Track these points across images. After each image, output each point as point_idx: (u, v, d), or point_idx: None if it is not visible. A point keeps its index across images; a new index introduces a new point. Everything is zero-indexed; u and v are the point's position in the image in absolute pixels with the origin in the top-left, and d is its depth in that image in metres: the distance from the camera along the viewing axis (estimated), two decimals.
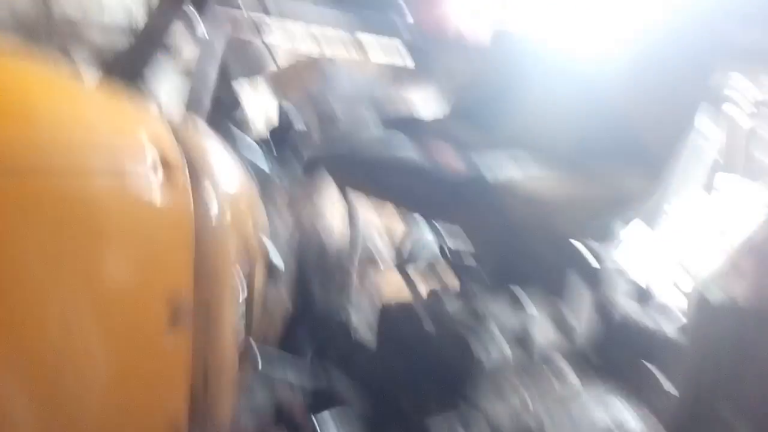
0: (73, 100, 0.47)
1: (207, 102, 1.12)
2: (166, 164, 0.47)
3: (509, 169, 0.92)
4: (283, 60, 1.52)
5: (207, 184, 0.52)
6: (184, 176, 0.49)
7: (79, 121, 0.44)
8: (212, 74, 1.04)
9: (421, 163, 0.97)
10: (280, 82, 1.38)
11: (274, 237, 0.91)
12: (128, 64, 0.69)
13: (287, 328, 0.95)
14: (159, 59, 0.69)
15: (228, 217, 0.55)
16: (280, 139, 1.19)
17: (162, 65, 0.72)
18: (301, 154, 1.19)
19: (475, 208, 0.90)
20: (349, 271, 1.23)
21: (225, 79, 1.11)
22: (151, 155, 0.47)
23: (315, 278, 1.21)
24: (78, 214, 0.40)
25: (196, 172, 0.51)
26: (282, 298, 0.92)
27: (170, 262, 0.48)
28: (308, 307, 1.11)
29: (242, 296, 0.59)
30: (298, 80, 1.43)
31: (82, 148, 0.42)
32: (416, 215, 1.15)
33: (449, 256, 1.13)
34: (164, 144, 0.49)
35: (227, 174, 0.59)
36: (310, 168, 1.16)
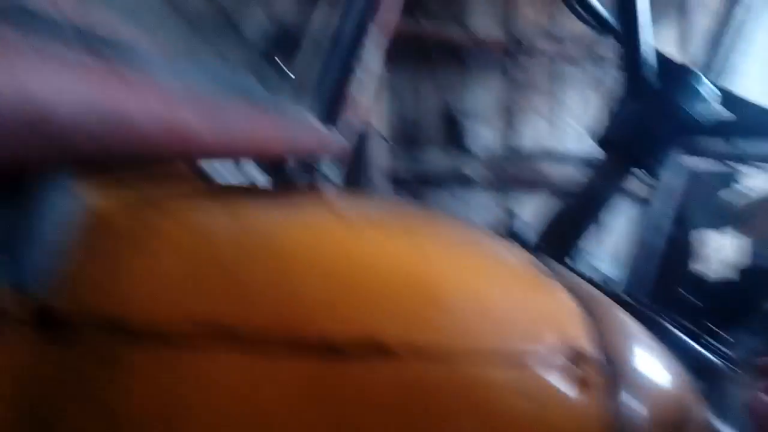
0: (479, 269, 0.44)
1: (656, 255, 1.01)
2: (578, 358, 0.40)
3: None
4: (753, 193, 1.28)
5: (629, 388, 0.42)
6: (600, 375, 0.40)
7: (487, 296, 0.41)
8: (665, 227, 0.94)
9: None
10: (748, 219, 1.14)
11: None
12: (571, 219, 0.67)
13: None
14: (600, 217, 0.64)
15: (650, 428, 0.42)
16: (744, 289, 0.95)
17: (602, 223, 0.67)
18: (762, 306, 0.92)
19: None
20: None
21: (682, 229, 0.98)
22: (563, 345, 0.40)
23: None
24: (472, 409, 0.36)
25: (615, 370, 0.41)
26: None
27: None
28: None
29: None
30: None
31: (487, 330, 0.39)
32: None
33: None
34: (577, 331, 0.42)
35: (654, 370, 0.47)
36: None
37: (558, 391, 0.38)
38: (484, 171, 3.22)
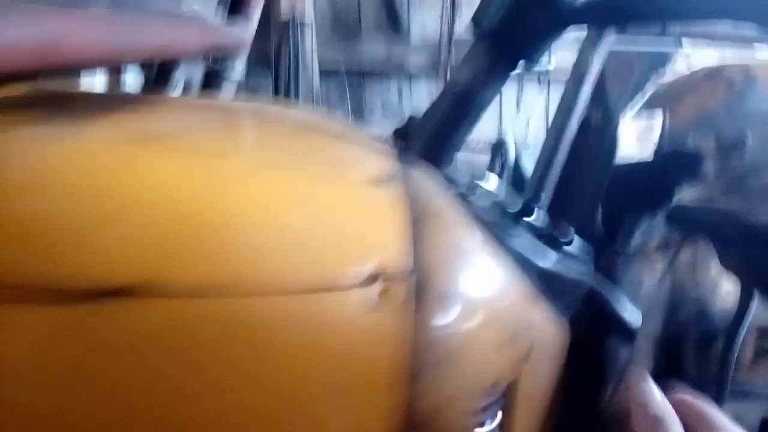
0: (286, 188, 0.40)
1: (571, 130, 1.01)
2: (384, 274, 0.37)
3: None
4: (675, 68, 1.24)
5: (437, 297, 0.39)
6: (404, 289, 0.38)
7: (282, 225, 0.36)
8: (577, 110, 0.93)
9: None
10: (670, 97, 1.11)
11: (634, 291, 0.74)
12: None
13: None
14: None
15: (471, 335, 0.41)
16: (659, 173, 0.96)
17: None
18: (678, 192, 0.93)
19: None
20: (734, 344, 0.93)
21: (599, 102, 0.97)
22: (369, 264, 0.37)
23: (688, 347, 0.97)
24: (256, 343, 0.33)
25: (428, 279, 0.39)
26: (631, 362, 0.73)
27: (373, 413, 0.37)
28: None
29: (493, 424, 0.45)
30: (693, 94, 1.13)
31: (274, 261, 0.34)
32: None
33: None
34: (388, 246, 0.39)
35: (481, 274, 0.45)
36: (682, 217, 0.88)
37: (355, 315, 0.36)
38: (425, 60, 3.08)
